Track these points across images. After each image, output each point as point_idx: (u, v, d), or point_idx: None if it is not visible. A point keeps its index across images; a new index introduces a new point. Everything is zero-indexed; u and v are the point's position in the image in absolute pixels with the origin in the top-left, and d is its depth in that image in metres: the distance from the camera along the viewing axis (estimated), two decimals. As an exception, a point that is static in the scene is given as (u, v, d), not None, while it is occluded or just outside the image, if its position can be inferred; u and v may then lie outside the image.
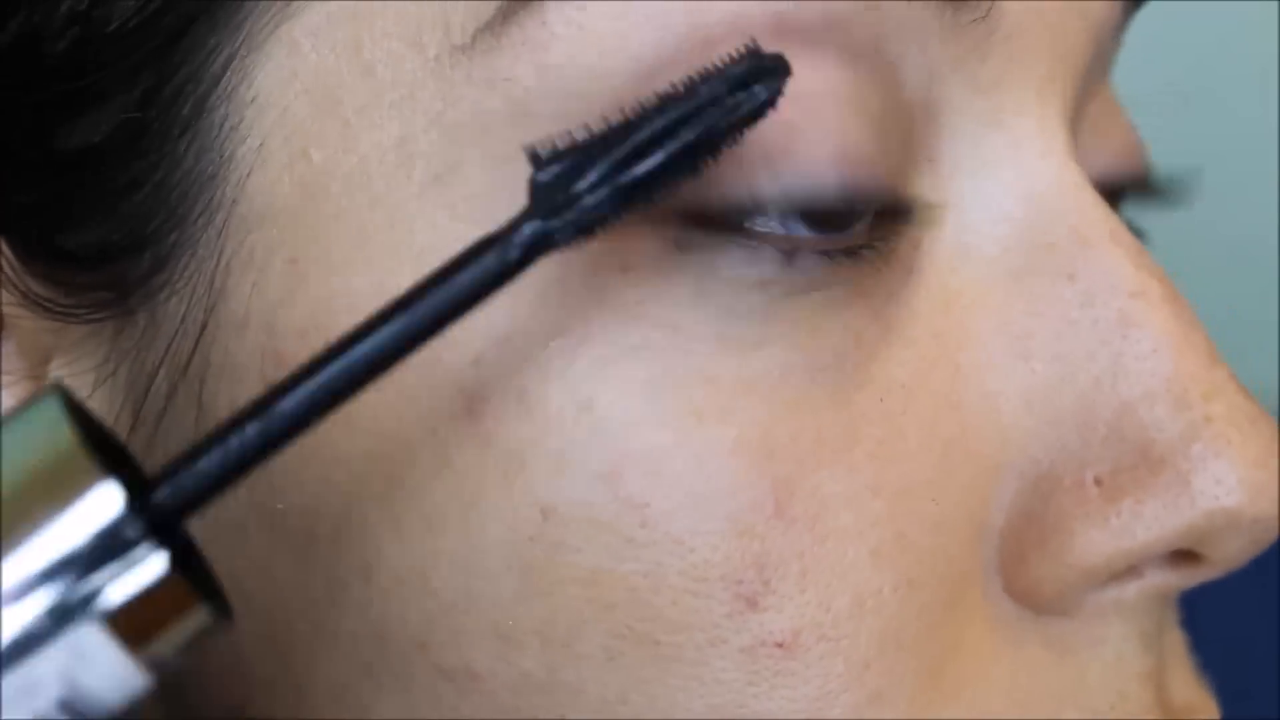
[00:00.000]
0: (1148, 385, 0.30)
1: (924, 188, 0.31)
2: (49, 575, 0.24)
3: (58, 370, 0.32)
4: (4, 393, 0.32)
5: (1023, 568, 0.31)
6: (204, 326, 0.30)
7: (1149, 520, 0.30)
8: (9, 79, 0.30)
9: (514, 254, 0.26)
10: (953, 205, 0.31)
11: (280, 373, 0.29)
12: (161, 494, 0.25)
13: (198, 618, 0.25)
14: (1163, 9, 0.39)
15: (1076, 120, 0.33)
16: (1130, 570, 0.31)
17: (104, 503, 0.24)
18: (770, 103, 0.27)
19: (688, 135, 0.26)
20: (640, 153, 0.26)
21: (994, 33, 0.30)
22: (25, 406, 0.25)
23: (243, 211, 0.30)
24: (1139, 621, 0.32)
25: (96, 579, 0.24)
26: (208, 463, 0.25)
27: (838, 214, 0.29)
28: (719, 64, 0.27)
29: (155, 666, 0.25)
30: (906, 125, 0.30)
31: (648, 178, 0.26)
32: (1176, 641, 0.34)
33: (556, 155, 0.26)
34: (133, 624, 0.24)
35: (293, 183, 0.29)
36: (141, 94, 0.30)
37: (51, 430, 0.25)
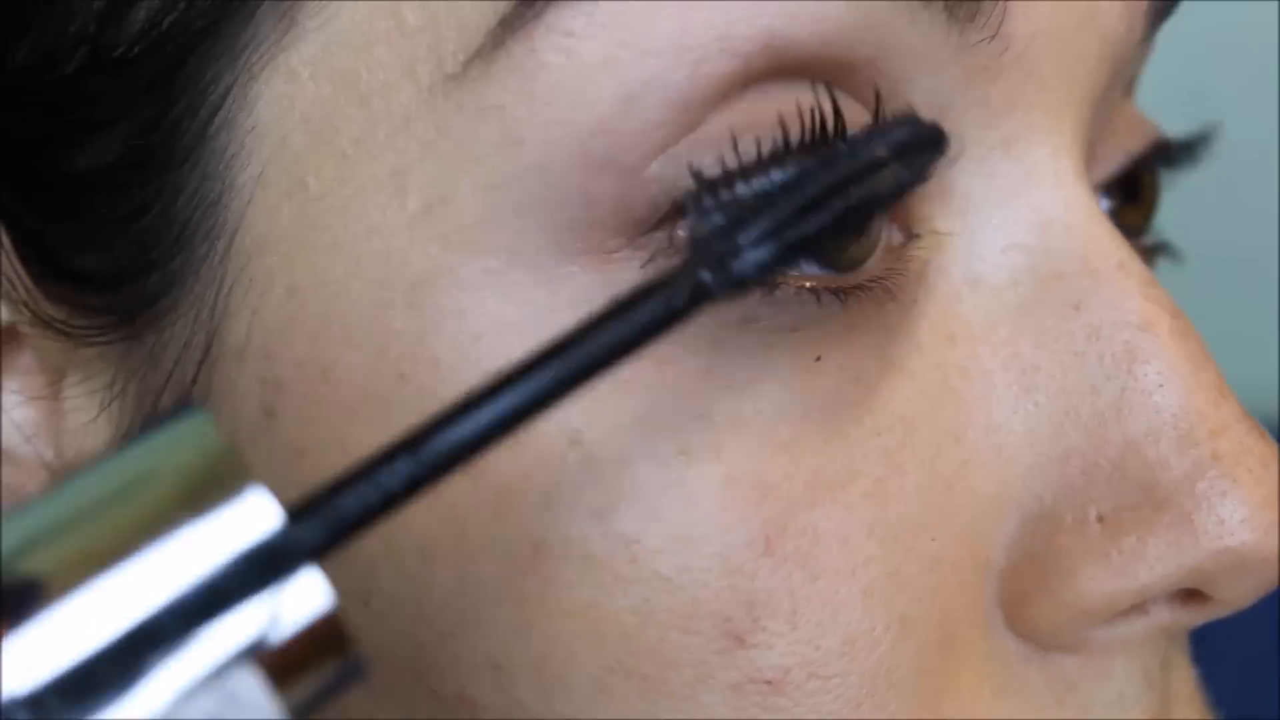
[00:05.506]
0: (1153, 421, 0.30)
1: (933, 217, 0.30)
2: (208, 599, 0.21)
3: (71, 388, 0.32)
4: (19, 410, 0.32)
5: (1024, 606, 0.30)
6: (206, 352, 0.30)
7: (1151, 560, 0.30)
8: (20, 101, 0.30)
9: (678, 302, 0.25)
10: (963, 234, 0.31)
11: (279, 401, 0.29)
12: (310, 524, 0.22)
13: (346, 664, 0.22)
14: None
15: (1096, 141, 0.33)
16: (1136, 608, 0.30)
17: (258, 519, 0.22)
18: (927, 175, 0.27)
19: (853, 197, 0.26)
20: (804, 210, 0.26)
21: (1005, 51, 0.30)
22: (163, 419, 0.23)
23: (243, 239, 0.30)
24: (1143, 659, 0.31)
25: (256, 608, 0.21)
26: (355, 499, 0.23)
27: (843, 257, 0.29)
28: (881, 123, 0.27)
29: (297, 715, 0.22)
30: None
31: (812, 236, 0.25)
32: (1184, 678, 0.33)
33: (719, 206, 0.26)
34: (286, 662, 0.22)
35: (291, 211, 0.29)
36: (146, 120, 0.29)
37: (198, 435, 0.22)
